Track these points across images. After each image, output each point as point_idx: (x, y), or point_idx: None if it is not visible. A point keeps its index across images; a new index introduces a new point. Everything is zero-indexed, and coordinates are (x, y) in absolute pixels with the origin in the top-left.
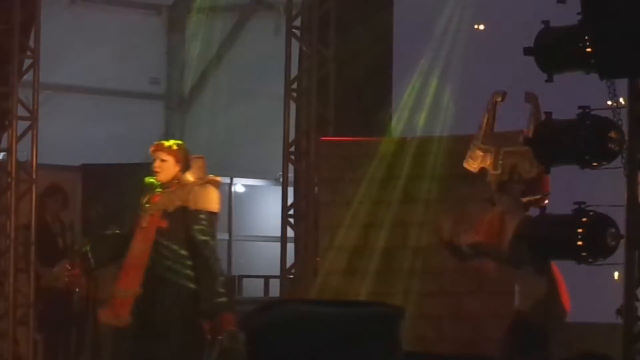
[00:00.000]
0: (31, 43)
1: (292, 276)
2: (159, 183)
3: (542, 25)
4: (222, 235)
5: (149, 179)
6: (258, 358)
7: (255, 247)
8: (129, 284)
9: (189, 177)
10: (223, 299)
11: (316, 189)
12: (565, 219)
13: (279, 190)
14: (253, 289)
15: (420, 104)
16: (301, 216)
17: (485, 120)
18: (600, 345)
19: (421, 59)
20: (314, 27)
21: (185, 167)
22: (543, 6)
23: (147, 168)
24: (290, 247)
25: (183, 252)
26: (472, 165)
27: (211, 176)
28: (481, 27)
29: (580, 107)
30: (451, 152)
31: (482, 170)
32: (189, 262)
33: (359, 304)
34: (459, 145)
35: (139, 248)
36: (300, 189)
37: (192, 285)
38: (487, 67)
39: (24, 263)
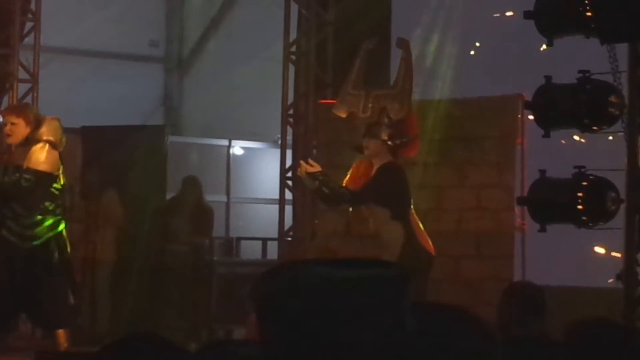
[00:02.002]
0: (32, 6)
1: (289, 238)
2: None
3: None
4: (220, 197)
5: None
6: (271, 324)
7: (253, 209)
8: None
9: (42, 136)
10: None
11: (314, 151)
12: (565, 182)
13: (277, 152)
14: (251, 251)
15: (419, 67)
16: (299, 179)
17: (356, 66)
18: (600, 310)
19: (419, 22)
20: None
21: (36, 127)
22: None
23: (146, 130)
24: (288, 209)
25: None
26: (341, 111)
27: (51, 137)
28: None
29: (580, 72)
30: (449, 115)
31: (351, 115)
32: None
33: (365, 265)
34: (458, 108)
35: None
36: (298, 151)
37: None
38: (486, 29)
39: None
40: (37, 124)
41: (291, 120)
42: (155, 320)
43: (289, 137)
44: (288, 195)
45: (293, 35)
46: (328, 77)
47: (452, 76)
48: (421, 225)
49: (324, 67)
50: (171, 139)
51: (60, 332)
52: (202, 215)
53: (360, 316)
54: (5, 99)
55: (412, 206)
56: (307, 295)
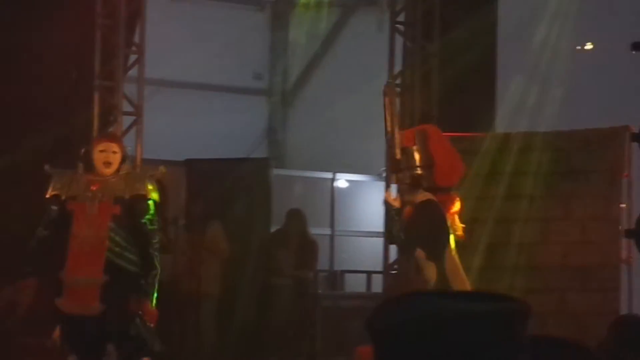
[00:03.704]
0: (136, 38)
1: (394, 272)
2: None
3: None
4: (324, 230)
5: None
6: (388, 356)
7: (357, 242)
8: (92, 272)
9: (127, 167)
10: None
11: None
12: None
13: (381, 185)
14: (355, 284)
15: (525, 100)
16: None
17: (388, 114)
18: None
19: (526, 54)
20: (418, 23)
21: (125, 158)
22: None
23: (250, 163)
24: None
25: (130, 238)
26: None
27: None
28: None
29: None
30: (555, 148)
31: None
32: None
33: (487, 298)
34: (563, 141)
35: (91, 235)
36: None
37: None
38: (591, 63)
39: None
40: (126, 154)
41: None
42: (260, 354)
43: None
44: None
45: (397, 67)
46: (433, 109)
47: (557, 109)
48: (460, 269)
49: (428, 99)
50: (275, 171)
51: None
52: (307, 248)
53: (480, 349)
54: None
55: (449, 246)
56: (428, 327)
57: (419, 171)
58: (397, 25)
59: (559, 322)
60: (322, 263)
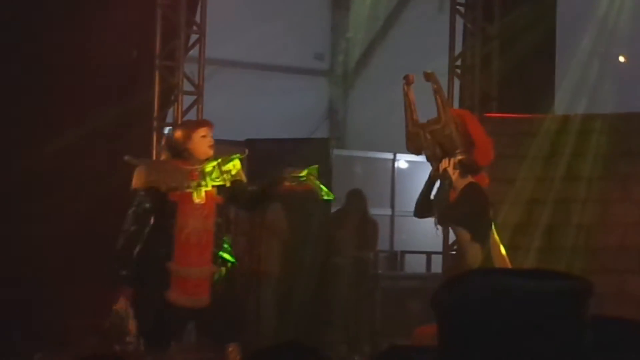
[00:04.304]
0: (197, 18)
1: (454, 252)
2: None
3: None
4: (384, 211)
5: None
6: (452, 333)
7: (418, 223)
8: (202, 263)
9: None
10: None
11: None
12: None
13: None
14: (415, 264)
15: (584, 81)
16: None
17: (407, 104)
18: None
19: (585, 36)
20: (479, 4)
21: None
22: None
23: (311, 143)
24: None
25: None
26: (413, 150)
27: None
28: None
29: None
30: (615, 130)
31: (420, 151)
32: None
33: (552, 276)
34: (622, 123)
35: (198, 226)
36: None
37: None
38: None
39: None
40: None
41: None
42: (319, 334)
43: None
44: None
45: (458, 49)
46: (493, 91)
47: (617, 91)
48: (502, 249)
49: (489, 80)
50: (336, 152)
51: (232, 347)
52: (367, 228)
53: (543, 327)
54: (170, 111)
55: (492, 228)
56: (493, 304)
57: (461, 155)
58: (458, 7)
59: (617, 303)
60: (382, 243)
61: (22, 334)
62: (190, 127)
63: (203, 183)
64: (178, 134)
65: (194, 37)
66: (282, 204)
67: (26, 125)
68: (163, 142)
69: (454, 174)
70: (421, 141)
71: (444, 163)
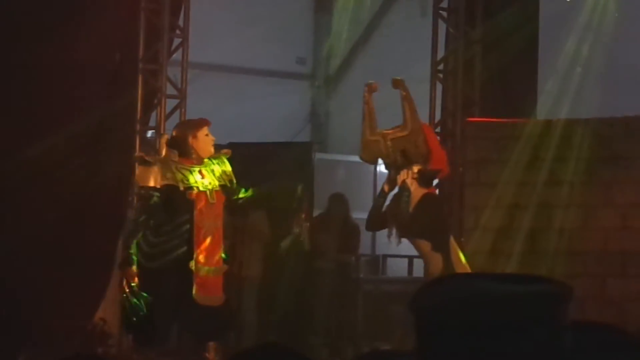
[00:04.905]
0: (180, 22)
1: None
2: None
3: None
4: (366, 215)
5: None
6: (429, 336)
7: None
8: (218, 261)
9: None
10: None
11: (461, 169)
12: None
13: None
14: (397, 268)
15: (566, 86)
16: (446, 196)
17: (366, 111)
18: None
19: (567, 41)
20: (461, 9)
21: None
22: None
23: (293, 147)
24: None
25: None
26: (367, 158)
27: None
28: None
29: None
30: (597, 135)
31: (376, 159)
32: None
33: (529, 280)
34: (605, 128)
35: (213, 224)
36: None
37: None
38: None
39: None
40: None
41: (438, 138)
42: (301, 337)
43: None
44: None
45: (440, 54)
46: (475, 95)
47: (599, 95)
48: (462, 257)
49: (471, 85)
50: (318, 155)
51: (212, 345)
52: (349, 232)
53: (521, 331)
54: (153, 115)
55: (451, 237)
56: (470, 307)
57: (420, 166)
58: (441, 12)
59: (598, 307)
60: (364, 247)
61: (4, 334)
62: (195, 125)
63: (212, 182)
64: (185, 132)
65: (177, 41)
66: (264, 208)
67: (6, 128)
68: (163, 141)
69: (412, 185)
70: (380, 149)
71: (403, 175)
